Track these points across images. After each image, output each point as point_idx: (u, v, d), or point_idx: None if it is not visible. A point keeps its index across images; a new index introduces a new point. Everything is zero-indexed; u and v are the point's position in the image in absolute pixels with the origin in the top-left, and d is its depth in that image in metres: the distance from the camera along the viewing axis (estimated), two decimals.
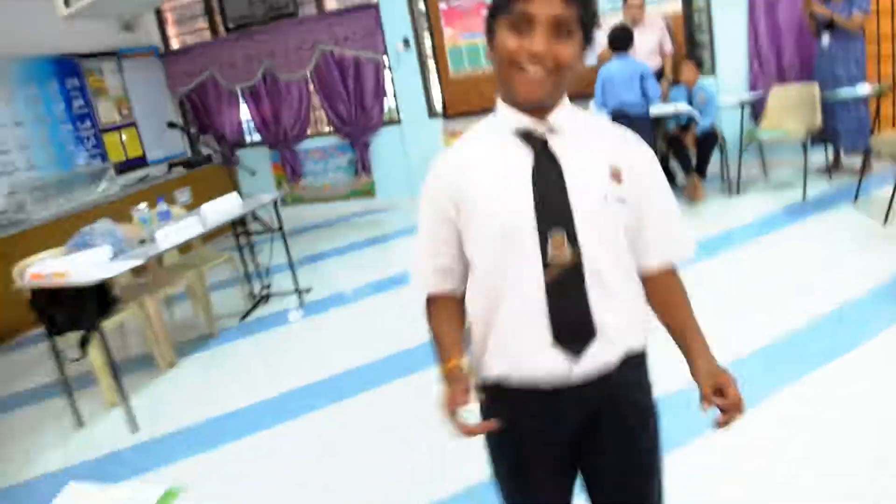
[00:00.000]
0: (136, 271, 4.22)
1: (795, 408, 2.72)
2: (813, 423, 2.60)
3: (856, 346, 3.10)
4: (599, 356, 1.28)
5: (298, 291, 4.95)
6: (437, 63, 7.07)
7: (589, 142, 1.30)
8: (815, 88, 5.53)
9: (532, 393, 1.31)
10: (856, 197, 5.05)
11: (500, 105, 1.31)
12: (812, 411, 2.68)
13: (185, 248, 4.72)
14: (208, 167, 7.62)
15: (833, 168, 5.84)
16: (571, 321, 1.26)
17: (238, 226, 4.91)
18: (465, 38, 6.88)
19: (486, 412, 1.37)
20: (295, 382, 3.70)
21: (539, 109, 1.27)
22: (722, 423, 1.28)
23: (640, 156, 1.34)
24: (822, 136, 5.70)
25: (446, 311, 1.41)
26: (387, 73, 7.31)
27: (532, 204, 1.24)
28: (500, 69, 1.25)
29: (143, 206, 4.29)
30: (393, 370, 3.64)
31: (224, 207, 4.57)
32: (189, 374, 4.10)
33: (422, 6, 7.01)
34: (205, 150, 7.87)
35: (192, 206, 5.17)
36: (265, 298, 5.06)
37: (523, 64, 1.21)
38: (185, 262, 4.90)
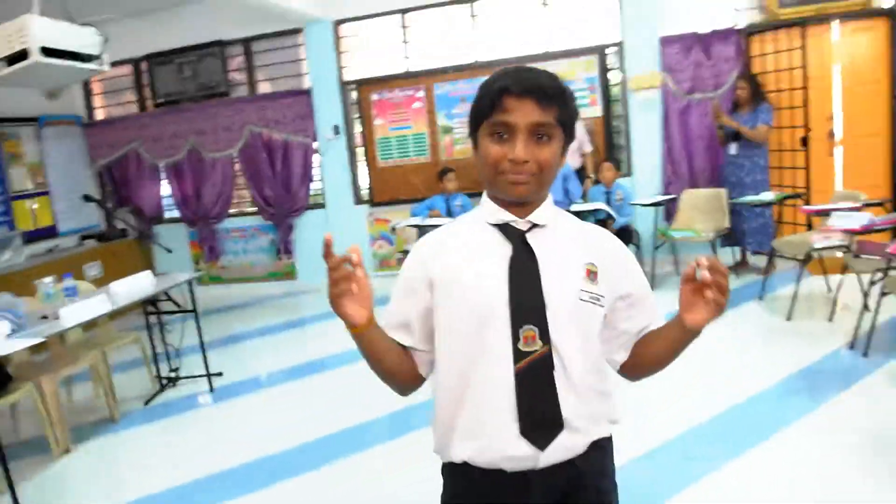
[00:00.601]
0: (35, 348, 3.97)
1: (714, 495, 2.77)
2: None
3: (767, 436, 3.20)
4: (565, 445, 1.30)
5: (209, 375, 4.74)
6: (366, 151, 7.17)
7: (567, 240, 1.35)
8: (723, 193, 5.91)
9: (498, 475, 1.31)
10: (761, 295, 5.31)
11: (485, 199, 1.36)
12: (733, 496, 2.74)
13: (90, 325, 4.49)
14: (123, 242, 7.38)
15: (740, 267, 6.16)
16: (539, 413, 1.28)
17: (149, 304, 4.71)
18: (395, 130, 7.03)
19: (453, 493, 1.39)
20: (200, 472, 3.49)
21: (522, 206, 1.32)
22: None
23: (615, 255, 1.39)
24: (730, 237, 6.04)
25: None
26: (315, 157, 7.35)
27: (507, 295, 1.27)
28: (484, 173, 1.31)
29: (48, 279, 4.09)
30: (308, 460, 3.49)
31: (136, 286, 4.41)
32: (84, 461, 3.81)
33: (354, 95, 7.16)
34: (121, 225, 7.64)
35: (102, 281, 4.98)
36: (173, 382, 4.83)
37: (506, 170, 1.26)
38: (89, 341, 4.66)
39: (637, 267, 1.44)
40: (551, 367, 1.27)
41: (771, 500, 2.73)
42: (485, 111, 1.27)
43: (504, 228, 1.32)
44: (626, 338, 1.41)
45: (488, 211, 1.34)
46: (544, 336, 1.26)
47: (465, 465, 1.33)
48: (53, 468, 3.74)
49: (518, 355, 1.26)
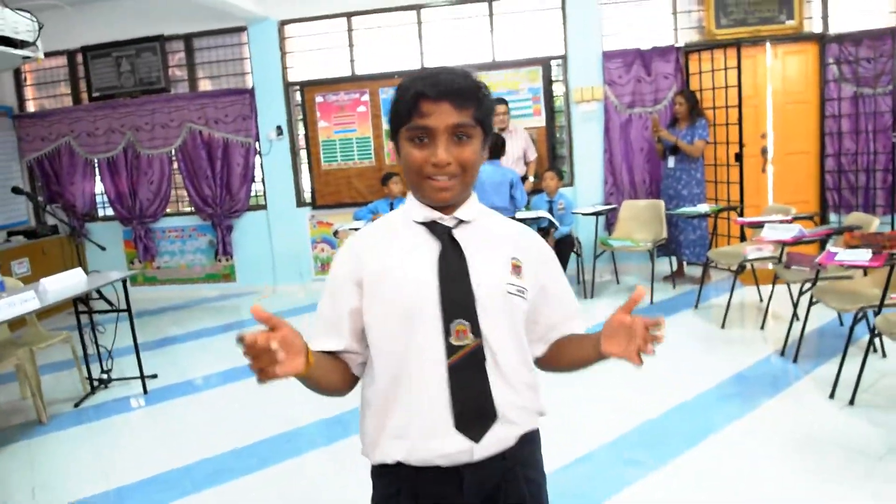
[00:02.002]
0: None
1: (649, 497, 2.83)
2: None
3: (702, 439, 3.29)
4: (499, 437, 1.32)
5: (143, 377, 4.60)
6: (309, 153, 7.10)
7: (492, 236, 1.38)
8: (661, 204, 6.08)
9: (431, 472, 1.32)
10: (696, 303, 5.48)
11: (411, 198, 1.37)
12: (668, 498, 2.81)
13: (17, 323, 4.30)
14: (53, 239, 7.11)
15: (677, 276, 6.33)
16: (473, 405, 1.30)
17: (80, 303, 4.54)
18: (339, 133, 6.98)
19: (383, 494, 1.39)
20: (133, 476, 3.37)
21: (447, 206, 1.34)
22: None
23: (539, 251, 1.44)
24: (667, 247, 6.21)
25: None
26: (257, 158, 7.23)
27: (437, 291, 1.28)
28: (409, 177, 1.32)
29: None
30: (243, 464, 3.42)
31: (66, 283, 4.27)
32: (9, 465, 3.63)
33: (298, 97, 7.08)
34: (51, 221, 7.35)
35: (30, 280, 4.78)
36: (105, 384, 4.66)
37: (430, 174, 1.28)
38: (16, 340, 4.46)
39: (558, 266, 1.48)
40: (483, 359, 1.30)
41: (707, 500, 2.80)
42: (403, 116, 1.28)
43: (431, 226, 1.34)
44: (543, 331, 1.45)
45: (415, 211, 1.36)
46: (475, 330, 1.29)
47: (397, 465, 1.34)
48: None
49: (450, 350, 1.28)
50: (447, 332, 1.28)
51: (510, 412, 1.33)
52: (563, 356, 1.46)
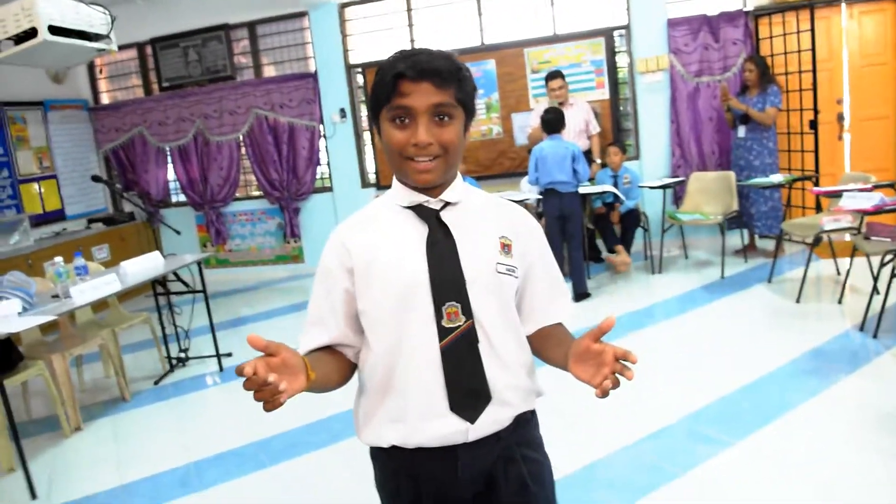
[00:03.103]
0: (46, 327, 3.99)
1: (725, 473, 2.78)
2: (743, 487, 2.65)
3: (777, 416, 3.20)
4: (494, 418, 1.32)
5: (218, 356, 4.76)
6: (372, 134, 7.15)
7: (480, 216, 1.37)
8: (731, 176, 5.89)
9: (427, 453, 1.33)
10: (770, 277, 5.30)
11: (396, 183, 1.37)
12: (741, 476, 2.74)
13: (99, 305, 4.50)
14: (130, 225, 7.41)
15: (748, 250, 6.14)
16: (467, 387, 1.30)
17: (158, 285, 4.73)
18: None
19: (382, 473, 1.41)
20: (210, 450, 3.52)
21: (433, 188, 1.33)
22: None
23: (527, 228, 1.43)
24: (738, 219, 6.02)
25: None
26: (322, 141, 7.34)
27: (427, 272, 1.28)
28: (390, 159, 1.31)
29: (58, 259, 4.09)
30: (317, 438, 3.52)
31: (145, 266, 4.43)
32: (96, 440, 3.83)
33: (360, 79, 7.14)
34: (128, 208, 7.65)
35: (109, 265, 4.99)
36: (182, 362, 4.85)
37: (412, 155, 1.27)
38: (100, 321, 4.68)
39: (545, 243, 1.45)
40: (475, 340, 1.30)
41: (781, 478, 2.73)
42: (382, 97, 1.27)
43: (418, 209, 1.33)
44: (528, 310, 1.43)
45: (400, 195, 1.35)
46: (466, 311, 1.28)
47: (393, 447, 1.35)
48: (65, 446, 3.78)
49: (442, 332, 1.28)
50: (439, 315, 1.28)
51: (505, 393, 1.32)
52: (543, 351, 1.42)
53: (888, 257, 4.01)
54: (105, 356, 4.52)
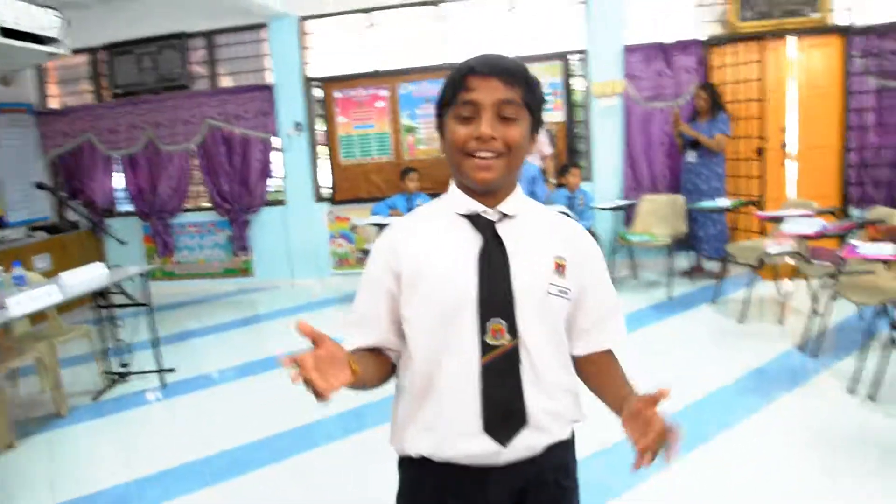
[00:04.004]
0: None
1: (669, 490, 2.80)
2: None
3: (720, 433, 3.26)
4: (528, 443, 1.28)
5: (160, 371, 4.63)
6: (328, 149, 7.11)
7: (537, 231, 1.33)
8: (680, 199, 6.02)
9: (457, 469, 1.29)
10: (715, 298, 5.43)
11: (453, 188, 1.33)
12: (685, 493, 2.77)
13: (38, 317, 4.35)
14: (73, 234, 7.19)
15: (695, 271, 6.28)
16: (503, 408, 1.26)
17: (100, 297, 4.59)
18: (358, 129, 6.99)
19: (408, 486, 1.37)
20: (149, 468, 3.40)
21: (490, 196, 1.29)
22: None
23: (585, 249, 1.37)
24: (686, 242, 6.15)
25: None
26: (275, 154, 7.26)
27: (476, 287, 1.25)
28: (451, 158, 1.28)
29: None
30: (262, 454, 3.44)
31: (87, 277, 4.30)
32: (29, 458, 3.67)
33: (317, 93, 7.10)
34: (72, 216, 7.44)
35: (51, 274, 4.84)
36: (123, 377, 4.71)
37: (473, 150, 1.24)
38: (37, 333, 4.52)
39: (603, 266, 1.41)
40: (518, 361, 1.26)
41: (722, 494, 2.77)
42: (450, 94, 1.26)
43: (474, 219, 1.30)
44: (578, 332, 1.38)
45: (457, 200, 1.32)
46: (512, 330, 1.25)
47: (423, 458, 1.31)
48: None
49: (485, 348, 1.24)
50: (483, 330, 1.24)
51: (542, 418, 1.29)
52: (590, 379, 1.41)
53: (827, 280, 4.12)
54: (41, 370, 4.36)
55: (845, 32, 6.12)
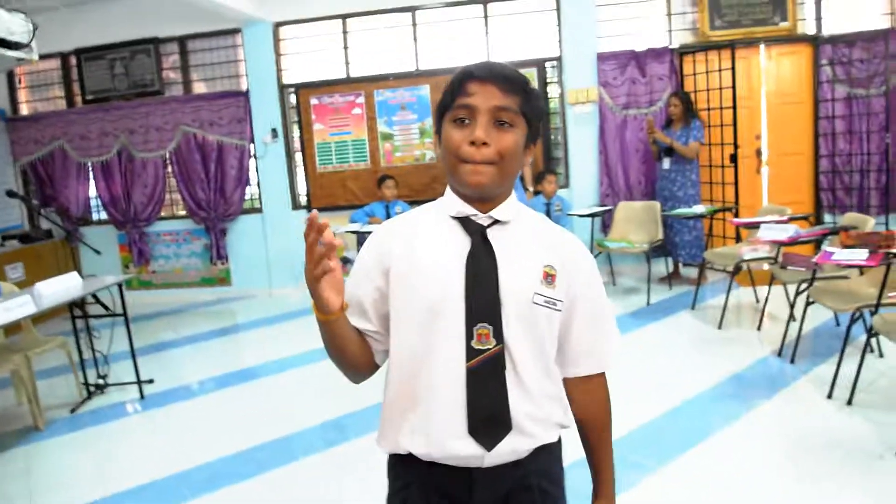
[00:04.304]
0: None
1: (650, 498, 2.83)
2: None
3: (700, 440, 3.30)
4: (512, 447, 1.30)
5: (139, 382, 4.57)
6: (304, 156, 7.08)
7: (528, 239, 1.33)
8: (656, 206, 6.09)
9: (444, 470, 1.31)
10: (693, 304, 5.49)
11: (448, 192, 1.34)
12: (665, 500, 2.77)
13: (12, 328, 4.28)
14: (47, 243, 7.07)
15: (673, 277, 6.34)
16: (488, 413, 1.27)
17: (76, 308, 4.52)
18: (334, 135, 6.97)
19: (395, 485, 1.38)
20: (129, 482, 3.35)
21: (484, 201, 1.30)
22: None
23: (577, 260, 1.36)
24: (663, 248, 6.22)
25: None
26: (251, 161, 7.21)
27: (461, 288, 1.26)
28: (447, 162, 1.29)
29: None
30: (242, 469, 3.41)
31: (62, 287, 4.24)
32: (5, 472, 3.60)
33: (293, 99, 7.07)
34: (45, 225, 7.31)
35: (24, 284, 4.76)
36: (101, 389, 4.64)
37: (467, 156, 1.24)
38: (11, 345, 4.44)
39: (598, 282, 1.40)
40: (503, 367, 1.27)
41: (704, 501, 2.80)
42: (448, 100, 1.28)
43: (465, 222, 1.31)
44: (565, 352, 1.38)
45: (450, 203, 1.33)
46: (498, 335, 1.26)
47: (410, 456, 1.33)
48: None
49: (471, 353, 1.26)
50: (469, 335, 1.25)
51: (526, 423, 1.30)
52: (579, 417, 1.44)
53: (803, 286, 4.19)
54: (17, 382, 4.28)
55: (814, 41, 6.25)
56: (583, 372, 1.41)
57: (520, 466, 1.33)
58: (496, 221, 1.31)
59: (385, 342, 1.37)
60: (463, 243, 1.29)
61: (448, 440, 1.28)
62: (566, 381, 1.41)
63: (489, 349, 1.26)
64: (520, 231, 1.33)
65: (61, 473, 3.58)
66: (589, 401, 1.44)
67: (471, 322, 1.26)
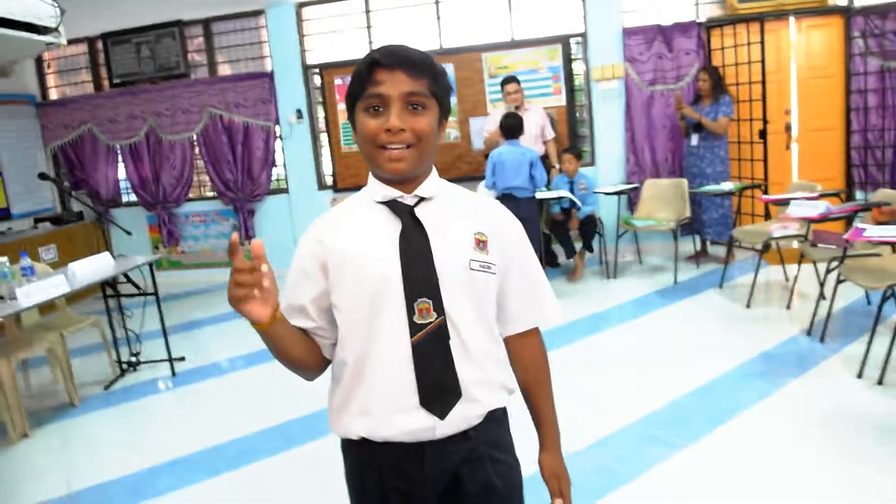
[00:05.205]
0: None
1: (677, 475, 2.82)
2: (695, 488, 2.70)
3: (727, 419, 3.28)
4: (463, 414, 1.33)
5: (171, 360, 4.66)
6: (329, 136, 7.10)
7: (455, 211, 1.37)
8: (684, 183, 6.01)
9: (395, 448, 1.34)
10: (721, 283, 5.44)
11: (371, 179, 1.38)
12: (693, 477, 2.78)
13: (47, 308, 4.37)
14: (78, 225, 7.21)
15: (700, 256, 6.28)
16: (437, 383, 1.30)
17: (108, 287, 4.61)
18: None
19: (350, 466, 1.42)
20: (162, 457, 3.44)
21: (406, 183, 1.34)
22: None
23: (505, 225, 1.42)
24: (691, 226, 6.15)
25: None
26: (277, 142, 7.25)
27: (399, 269, 1.29)
28: (364, 150, 1.32)
29: (3, 259, 3.95)
30: (273, 443, 3.48)
31: (94, 267, 4.32)
32: (43, 447, 3.72)
33: (317, 80, 7.08)
34: (76, 207, 7.44)
35: (57, 265, 4.84)
36: (134, 366, 4.74)
37: (384, 142, 1.28)
38: (47, 324, 4.54)
39: (526, 243, 1.46)
40: (447, 337, 1.30)
41: (731, 480, 2.79)
42: (358, 88, 1.29)
43: (392, 205, 1.34)
44: (512, 317, 1.44)
45: (375, 190, 1.35)
46: (438, 307, 1.29)
47: (362, 440, 1.35)
48: (11, 453, 3.65)
49: (414, 328, 1.29)
50: (410, 311, 1.28)
51: (474, 390, 1.33)
52: (521, 377, 1.47)
53: (833, 264, 4.13)
54: (52, 360, 4.38)
55: (846, 13, 6.11)
56: (520, 328, 1.46)
57: (469, 439, 1.36)
58: (422, 199, 1.35)
59: (331, 335, 1.39)
60: (393, 225, 1.32)
61: (397, 415, 1.31)
62: (506, 341, 1.46)
63: (431, 322, 1.29)
64: (446, 204, 1.37)
65: (96, 448, 3.68)
66: (527, 355, 1.47)
67: (411, 298, 1.28)
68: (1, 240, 6.33)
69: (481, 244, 1.34)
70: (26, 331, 4.40)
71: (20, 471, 3.47)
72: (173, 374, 4.61)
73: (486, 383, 1.36)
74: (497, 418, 1.41)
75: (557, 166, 6.22)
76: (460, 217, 1.36)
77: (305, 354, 1.38)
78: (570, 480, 1.50)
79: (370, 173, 1.38)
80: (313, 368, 1.42)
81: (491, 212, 1.42)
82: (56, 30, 4.25)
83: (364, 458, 1.38)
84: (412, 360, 1.29)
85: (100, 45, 7.47)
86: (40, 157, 7.56)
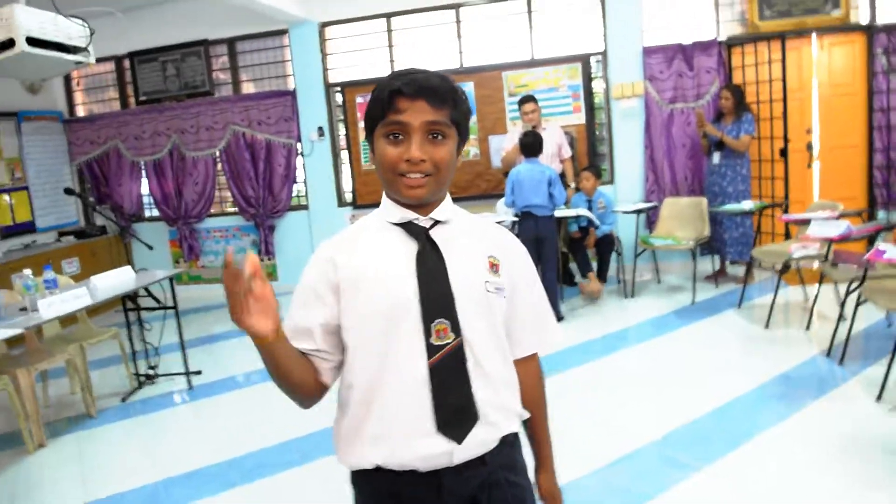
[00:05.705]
0: (12, 341, 3.92)
1: (694, 497, 2.80)
2: None
3: (745, 440, 3.23)
4: (480, 439, 1.31)
5: (188, 373, 4.70)
6: (350, 154, 7.16)
7: (469, 234, 1.38)
8: (703, 201, 5.98)
9: (410, 476, 1.31)
10: (740, 303, 5.38)
11: (385, 200, 1.37)
12: (710, 500, 2.74)
13: (68, 320, 4.44)
14: (101, 239, 7.32)
15: (719, 275, 6.22)
16: (455, 407, 1.28)
17: (129, 301, 4.67)
18: None
19: (363, 498, 1.40)
20: (177, 469, 3.46)
21: (422, 207, 1.34)
22: None
23: (514, 249, 1.44)
24: (710, 245, 6.10)
25: None
26: (298, 159, 7.33)
27: (416, 290, 1.28)
28: (383, 175, 1.32)
29: (27, 271, 4.02)
30: (289, 457, 3.49)
31: (116, 280, 4.39)
32: (60, 457, 3.76)
33: (339, 98, 7.16)
34: (100, 222, 7.56)
35: (79, 278, 4.92)
36: (151, 379, 4.79)
37: (404, 171, 1.28)
38: (68, 336, 4.61)
39: (532, 270, 1.48)
40: (464, 358, 1.29)
41: (748, 502, 2.75)
42: (378, 113, 1.29)
43: (408, 227, 1.33)
44: (515, 341, 1.43)
45: (390, 211, 1.35)
46: (455, 328, 1.28)
47: (376, 469, 1.32)
48: (28, 463, 3.70)
49: (431, 350, 1.27)
50: (427, 333, 1.27)
51: (491, 413, 1.32)
52: (524, 400, 1.44)
53: (854, 284, 4.08)
54: (72, 371, 4.44)
55: (868, 30, 6.06)
56: (523, 353, 1.45)
57: (486, 463, 1.34)
58: (437, 222, 1.35)
59: (333, 358, 1.37)
60: (409, 246, 1.32)
61: (415, 441, 1.28)
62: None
63: (448, 343, 1.28)
64: (459, 228, 1.38)
65: (112, 459, 3.71)
66: (526, 380, 1.45)
67: (428, 319, 1.27)
68: (25, 252, 6.45)
69: (494, 267, 1.35)
70: (47, 342, 4.46)
71: (37, 480, 3.51)
72: (190, 387, 4.65)
73: (502, 407, 1.35)
74: (510, 441, 1.39)
75: (573, 185, 6.21)
76: (474, 240, 1.37)
77: (306, 376, 1.36)
78: (563, 499, 1.54)
79: (384, 194, 1.37)
80: (311, 393, 1.38)
81: (501, 236, 1.44)
82: (86, 49, 4.34)
83: (378, 487, 1.35)
84: (429, 383, 1.27)
85: (127, 63, 7.63)
86: (66, 173, 7.71)
